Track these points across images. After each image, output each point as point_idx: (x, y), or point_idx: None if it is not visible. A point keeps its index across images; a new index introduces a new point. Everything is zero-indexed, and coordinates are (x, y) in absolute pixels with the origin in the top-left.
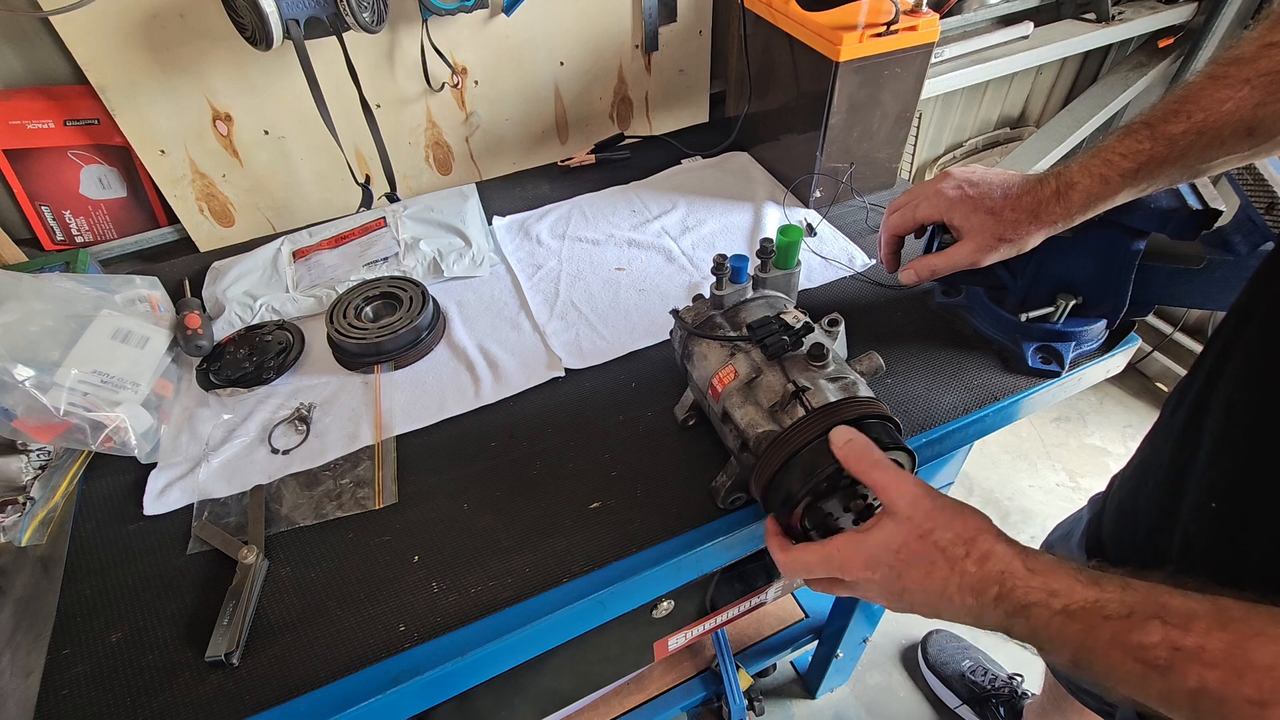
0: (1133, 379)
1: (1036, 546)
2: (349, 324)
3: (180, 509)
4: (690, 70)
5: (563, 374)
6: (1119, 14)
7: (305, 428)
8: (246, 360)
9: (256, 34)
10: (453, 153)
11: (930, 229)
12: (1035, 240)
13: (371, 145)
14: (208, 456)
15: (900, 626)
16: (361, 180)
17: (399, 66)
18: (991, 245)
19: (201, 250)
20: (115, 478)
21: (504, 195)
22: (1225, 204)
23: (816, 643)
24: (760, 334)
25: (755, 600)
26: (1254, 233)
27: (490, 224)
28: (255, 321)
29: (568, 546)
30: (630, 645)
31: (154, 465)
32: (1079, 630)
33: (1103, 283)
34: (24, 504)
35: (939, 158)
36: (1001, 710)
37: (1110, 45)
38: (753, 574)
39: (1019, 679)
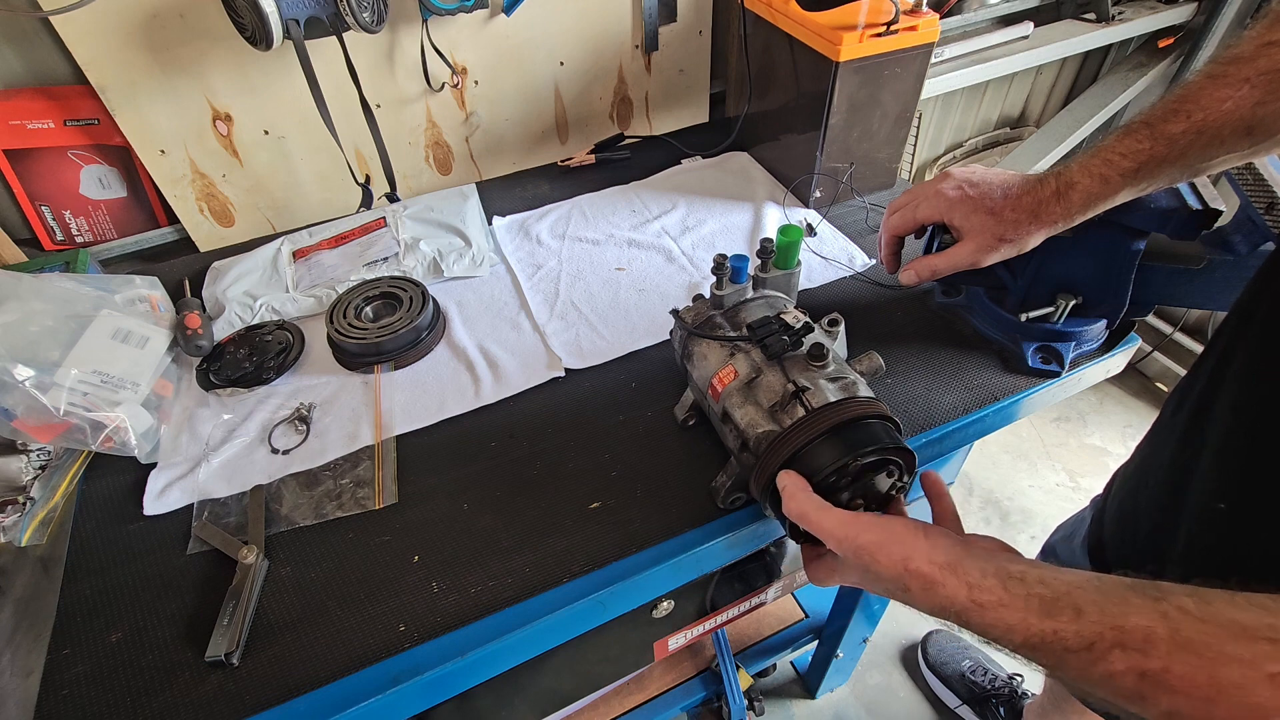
0: (1133, 379)
1: (1037, 547)
2: (349, 324)
3: (180, 509)
4: (690, 70)
5: (563, 374)
6: (1119, 14)
7: (305, 428)
8: (246, 360)
9: (256, 34)
10: (453, 153)
11: (930, 229)
12: (1036, 240)
13: (371, 145)
14: (208, 456)
15: (900, 626)
16: (361, 180)
17: (399, 66)
18: (992, 245)
19: (201, 250)
20: (115, 478)
21: (504, 195)
22: (1225, 204)
23: (816, 643)
24: (760, 334)
25: (755, 600)
26: (1254, 233)
27: (490, 224)
28: (255, 321)
29: (568, 546)
30: (630, 645)
31: (154, 465)
32: (1046, 661)
33: (1103, 283)
34: (24, 504)
35: (939, 158)
36: (1001, 710)
37: (1110, 45)
38: (753, 574)
39: (1019, 679)
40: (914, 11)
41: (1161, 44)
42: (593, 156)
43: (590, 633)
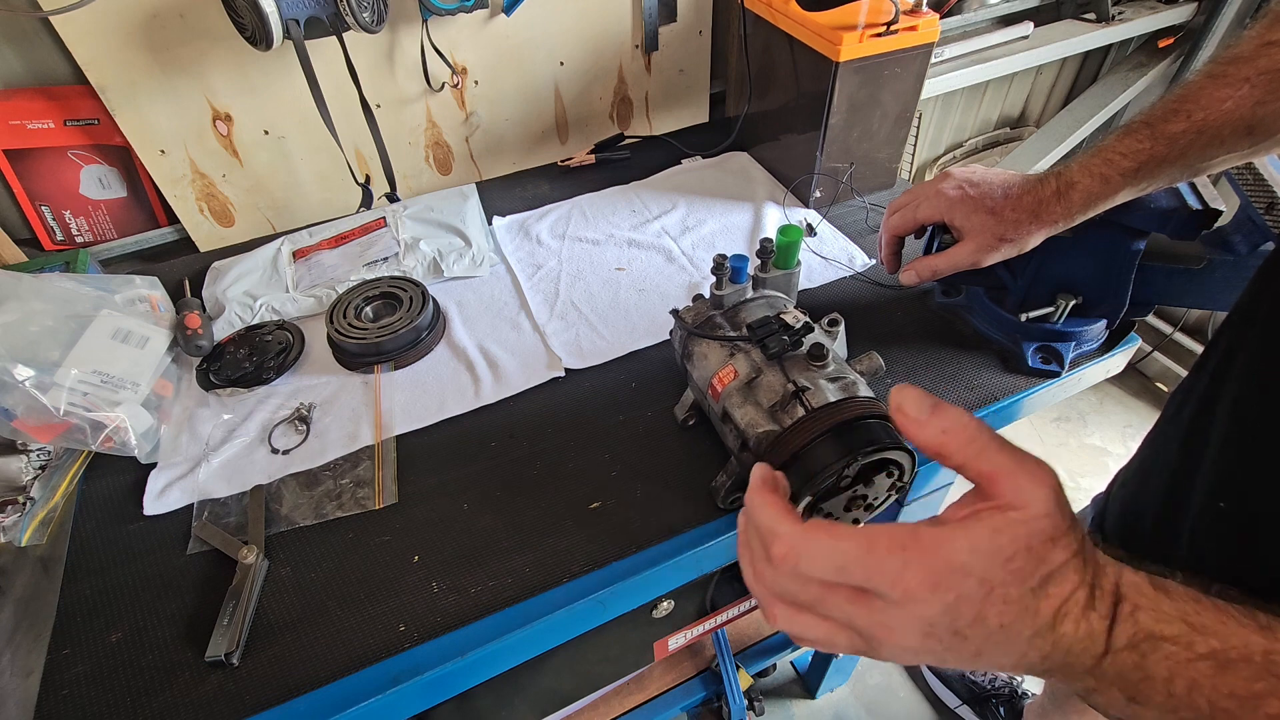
0: (1133, 379)
1: None
2: (349, 324)
3: (180, 509)
4: (690, 70)
5: (563, 374)
6: (1119, 14)
7: (305, 428)
8: (246, 360)
9: (256, 34)
10: (453, 153)
11: (930, 229)
12: (1036, 240)
13: (371, 145)
14: (208, 456)
15: None
16: (361, 180)
17: (399, 66)
18: (992, 245)
19: (201, 250)
20: (115, 478)
21: (504, 195)
22: (1225, 204)
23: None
24: (760, 334)
25: (755, 600)
26: (1254, 232)
27: (490, 224)
28: (255, 321)
29: (568, 546)
30: (630, 645)
31: (154, 465)
32: (1226, 686)
33: (1103, 283)
34: (24, 504)
35: (939, 158)
36: (1001, 710)
37: (1110, 45)
38: None
39: (1019, 679)
40: (914, 11)
41: (1161, 44)
42: (593, 156)
43: (590, 633)
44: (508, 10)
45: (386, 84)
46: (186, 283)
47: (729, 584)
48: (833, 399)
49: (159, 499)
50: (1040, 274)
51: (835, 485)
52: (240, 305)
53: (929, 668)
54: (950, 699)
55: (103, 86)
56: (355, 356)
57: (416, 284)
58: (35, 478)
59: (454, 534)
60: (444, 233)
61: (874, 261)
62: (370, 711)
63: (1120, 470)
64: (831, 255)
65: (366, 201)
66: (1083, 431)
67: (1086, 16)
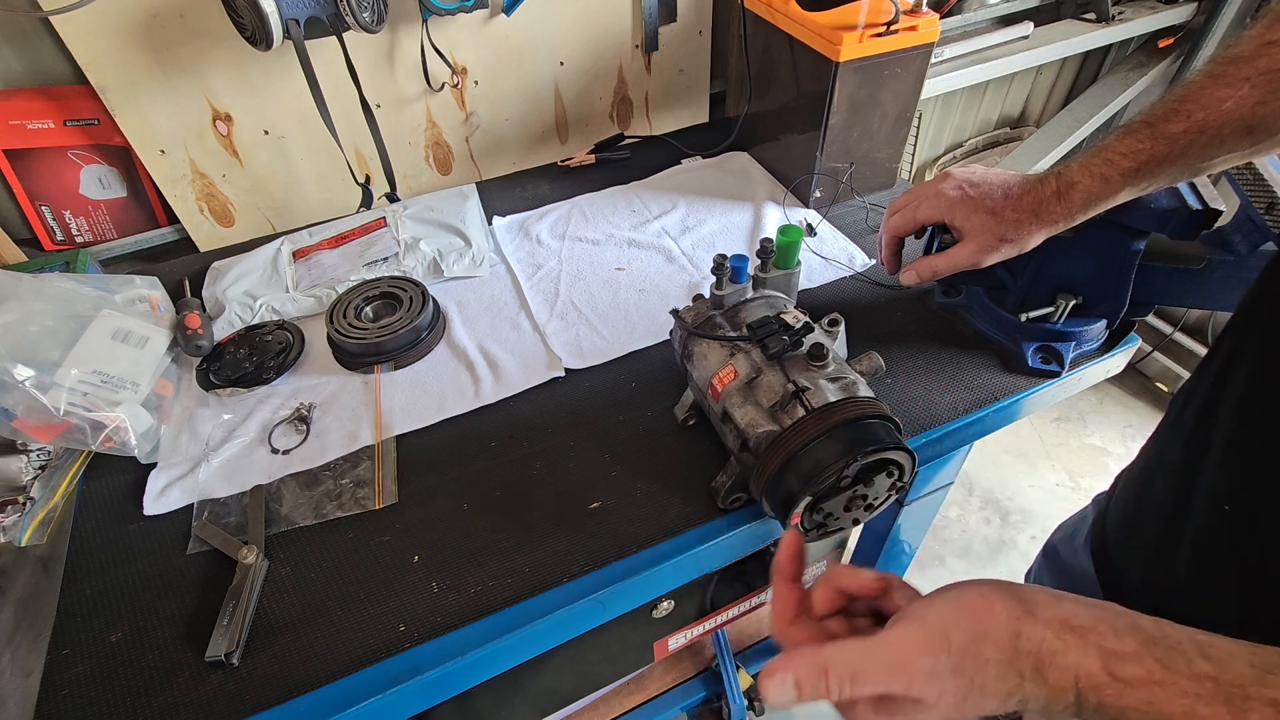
0: (1133, 379)
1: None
2: (349, 324)
3: (180, 509)
4: (690, 70)
5: (563, 374)
6: (1119, 14)
7: (305, 428)
8: (246, 360)
9: (256, 34)
10: (453, 153)
11: (930, 229)
12: (1036, 240)
13: (371, 145)
14: (208, 456)
15: None
16: (361, 180)
17: (399, 66)
18: (993, 245)
19: (201, 250)
20: (115, 478)
21: (504, 195)
22: (1225, 204)
23: None
24: (760, 334)
25: (755, 600)
26: (1254, 232)
27: (490, 224)
28: (255, 321)
29: (568, 546)
30: (630, 645)
31: (154, 465)
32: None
33: (1103, 283)
34: (24, 504)
35: (939, 158)
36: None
37: (1110, 45)
38: (753, 574)
39: None
40: (914, 11)
41: (1161, 44)
42: (593, 156)
43: (590, 633)
44: (508, 10)
45: (386, 84)
46: (186, 283)
47: (729, 584)
48: (833, 399)
49: (159, 499)
50: (1040, 274)
51: (835, 485)
52: (240, 305)
53: None
54: None
55: (103, 86)
56: (355, 356)
57: (416, 284)
58: (35, 478)
59: (454, 534)
60: (444, 233)
61: (874, 261)
62: (370, 711)
63: (1122, 471)
64: (831, 255)
65: (366, 201)
66: (1083, 431)
67: (1086, 16)
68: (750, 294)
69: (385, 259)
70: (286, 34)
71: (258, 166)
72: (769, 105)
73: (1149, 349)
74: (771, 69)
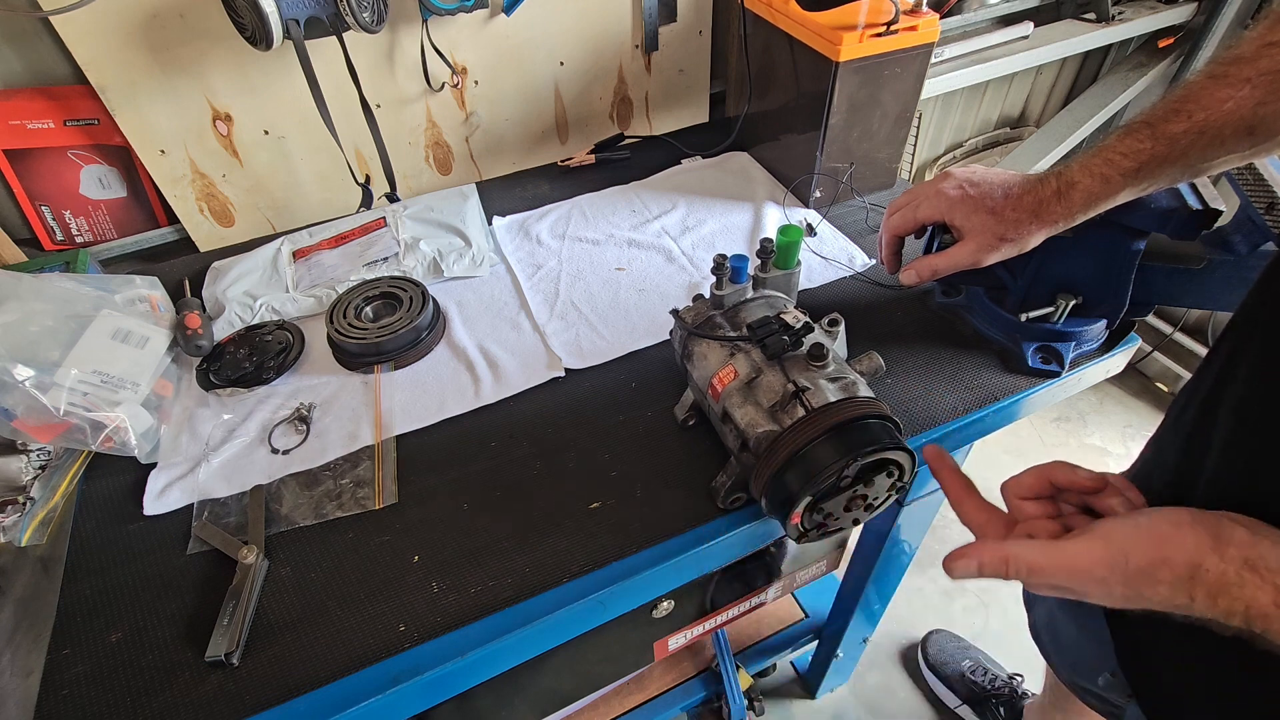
0: (1133, 379)
1: None
2: (349, 324)
3: (180, 509)
4: (690, 70)
5: (563, 374)
6: (1119, 14)
7: (305, 428)
8: (246, 360)
9: (256, 34)
10: (453, 153)
11: (930, 229)
12: (1036, 240)
13: (371, 145)
14: (208, 456)
15: (900, 626)
16: (361, 180)
17: (399, 66)
18: (993, 245)
19: (201, 250)
20: (115, 478)
21: (504, 195)
22: (1225, 204)
23: (816, 643)
24: (760, 334)
25: (755, 600)
26: (1254, 233)
27: (490, 224)
28: (255, 321)
29: (568, 546)
30: (630, 645)
31: (154, 465)
32: None
33: (1103, 283)
34: (24, 504)
35: (939, 158)
36: (1001, 710)
37: (1110, 45)
38: (753, 574)
39: (1019, 679)
40: (914, 11)
41: (1161, 44)
42: (593, 156)
43: (590, 633)
44: (508, 10)
45: (386, 84)
46: (186, 283)
47: (729, 584)
48: (833, 399)
49: (159, 499)
50: (1040, 274)
51: (835, 485)
52: (240, 305)
53: (929, 668)
54: (950, 699)
55: (103, 86)
56: (355, 356)
57: (416, 284)
58: (35, 478)
59: (454, 534)
60: (444, 233)
61: (874, 261)
62: (370, 711)
63: (1123, 472)
64: (831, 255)
65: (366, 201)
66: (1083, 431)
67: (1086, 16)
68: (750, 294)
69: (385, 259)
70: (286, 34)
71: (258, 166)
72: (769, 105)
73: (1149, 349)
74: (771, 69)
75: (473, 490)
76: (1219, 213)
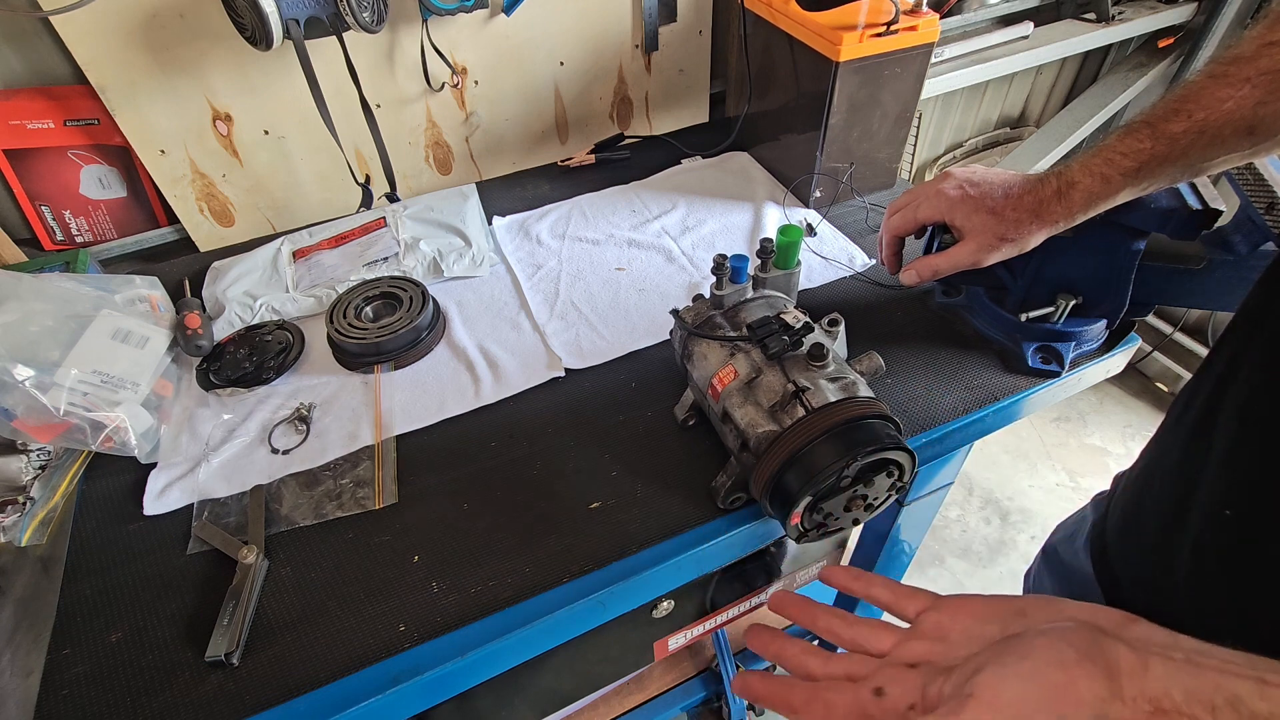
0: (1133, 379)
1: (1037, 547)
2: (349, 324)
3: (180, 509)
4: (690, 70)
5: (563, 374)
6: (1119, 14)
7: (305, 428)
8: (246, 360)
9: (256, 34)
10: (453, 153)
11: (931, 229)
12: (1037, 240)
13: (371, 145)
14: (208, 456)
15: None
16: (361, 180)
17: (399, 66)
18: (993, 245)
19: (201, 250)
20: (115, 478)
21: (504, 195)
22: (1225, 204)
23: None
24: (760, 334)
25: (755, 600)
26: (1254, 232)
27: (490, 224)
28: (255, 321)
29: (568, 546)
30: (630, 645)
31: (154, 465)
32: None
33: (1103, 282)
34: (24, 504)
35: (939, 158)
36: None
37: (1110, 45)
38: (753, 574)
39: None
40: (914, 11)
41: (1161, 44)
42: (593, 156)
43: (590, 633)
44: (508, 10)
45: (386, 84)
46: (186, 283)
47: (729, 584)
48: (833, 399)
49: (159, 499)
50: (1040, 274)
51: (835, 485)
52: (240, 305)
53: None
54: None
55: (103, 86)
56: (355, 356)
57: (416, 284)
58: (35, 478)
59: (454, 534)
60: (444, 233)
61: (874, 261)
62: (370, 711)
63: (1123, 474)
64: (831, 255)
65: (366, 201)
66: (1083, 431)
67: (1086, 16)
68: (750, 294)
69: (385, 259)
70: (286, 34)
71: (258, 166)
72: (769, 105)
73: (1149, 349)
74: (771, 69)
75: (473, 490)
76: (1219, 213)
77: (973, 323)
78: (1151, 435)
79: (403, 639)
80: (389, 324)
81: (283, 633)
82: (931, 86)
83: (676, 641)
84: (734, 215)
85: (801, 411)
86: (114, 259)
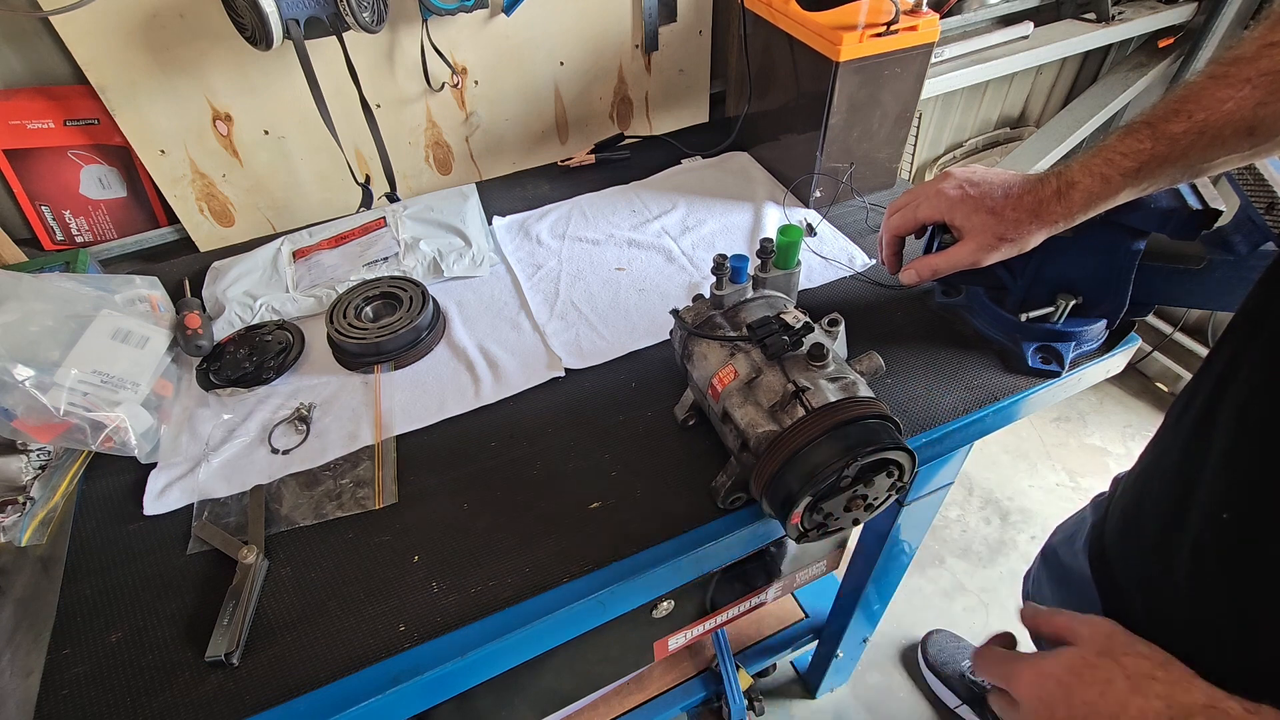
0: (1133, 379)
1: (1037, 547)
2: (349, 324)
3: (180, 509)
4: (690, 70)
5: (563, 374)
6: (1119, 14)
7: (305, 428)
8: (246, 360)
9: (256, 34)
10: (453, 153)
11: (930, 229)
12: (1036, 240)
13: (371, 145)
14: (208, 456)
15: (900, 627)
16: (361, 180)
17: (399, 66)
18: (993, 245)
19: (201, 250)
20: (115, 478)
21: (504, 195)
22: (1225, 204)
23: (816, 643)
24: (760, 334)
25: (755, 600)
26: (1254, 233)
27: (490, 224)
28: (255, 321)
29: (568, 546)
30: (630, 645)
31: (154, 465)
32: None
33: (1103, 283)
34: (24, 504)
35: (939, 158)
36: None
37: (1110, 45)
38: (753, 574)
39: None
40: (914, 11)
41: (1161, 44)
42: (593, 156)
43: (590, 633)
44: (508, 10)
45: (386, 84)
46: (186, 283)
47: (729, 584)
48: (833, 399)
49: (159, 499)
50: (1040, 274)
51: (835, 485)
52: (240, 305)
53: (929, 668)
54: (950, 699)
55: (103, 86)
56: (355, 356)
57: (416, 284)
58: (35, 478)
59: (454, 534)
60: (444, 233)
61: (874, 261)
62: (370, 711)
63: (1122, 476)
64: (831, 255)
65: (366, 201)
66: (1083, 431)
67: (1086, 16)
68: (750, 294)
69: (385, 259)
70: (286, 34)
71: (258, 166)
72: (769, 105)
73: (1149, 349)
74: (771, 69)
75: (473, 490)
76: (1219, 213)
77: (973, 323)
78: (1151, 435)
79: (403, 639)
80: (389, 324)
81: (283, 633)
82: (931, 86)
83: (676, 641)
84: (734, 215)
85: (801, 411)
86: (114, 259)
